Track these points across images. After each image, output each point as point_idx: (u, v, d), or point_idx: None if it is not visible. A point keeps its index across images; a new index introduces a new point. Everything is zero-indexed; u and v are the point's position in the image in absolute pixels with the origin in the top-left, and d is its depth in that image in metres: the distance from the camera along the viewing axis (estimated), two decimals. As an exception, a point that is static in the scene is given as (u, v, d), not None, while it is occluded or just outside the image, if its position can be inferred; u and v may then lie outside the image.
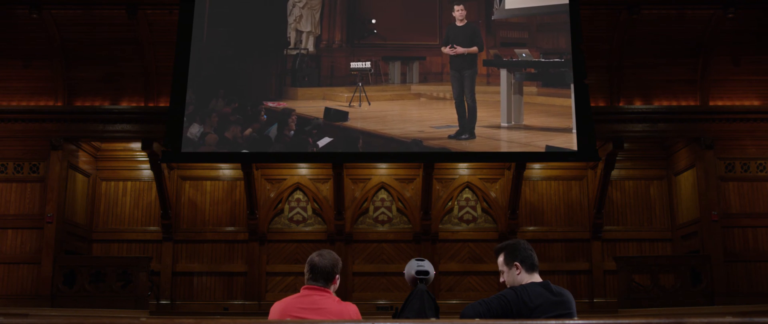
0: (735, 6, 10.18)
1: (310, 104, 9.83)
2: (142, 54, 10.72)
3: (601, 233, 11.28)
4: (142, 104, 10.83)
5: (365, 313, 8.78)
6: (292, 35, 10.16)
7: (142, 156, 11.16)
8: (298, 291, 3.62)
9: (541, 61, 9.82)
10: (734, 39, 10.68)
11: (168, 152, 9.59)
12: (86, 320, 5.33)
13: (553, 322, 3.26)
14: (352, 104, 9.76)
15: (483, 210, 11.48)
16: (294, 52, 10.10)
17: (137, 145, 10.90)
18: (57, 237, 10.30)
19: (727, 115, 10.72)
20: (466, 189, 11.53)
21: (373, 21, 10.16)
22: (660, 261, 10.58)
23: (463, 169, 11.47)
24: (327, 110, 9.73)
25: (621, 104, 10.81)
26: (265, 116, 9.69)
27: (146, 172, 11.43)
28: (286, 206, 11.47)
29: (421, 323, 3.86)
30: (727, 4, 10.18)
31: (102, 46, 10.69)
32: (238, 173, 11.18)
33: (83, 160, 11.14)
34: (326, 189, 11.37)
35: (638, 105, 10.83)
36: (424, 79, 10.05)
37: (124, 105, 10.83)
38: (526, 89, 9.79)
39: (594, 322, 3.13)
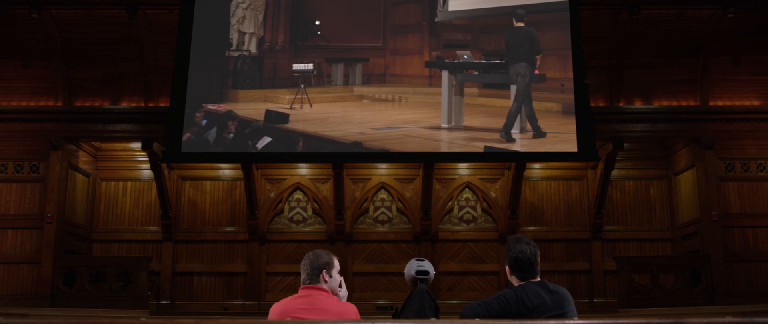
0: (735, 6, 10.18)
1: (251, 106, 9.76)
2: (142, 54, 10.72)
3: (601, 233, 11.28)
4: (142, 104, 10.83)
5: (365, 313, 8.80)
6: (234, 36, 10.09)
7: (142, 156, 11.16)
8: (298, 291, 3.62)
9: (482, 62, 9.85)
10: (734, 39, 10.68)
11: (168, 152, 9.59)
12: (86, 320, 5.33)
13: (553, 322, 3.26)
14: (293, 106, 9.71)
15: (483, 210, 11.48)
16: (236, 54, 10.04)
17: (137, 145, 10.90)
18: (57, 237, 10.30)
19: (727, 115, 10.72)
20: (466, 189, 11.53)
21: (317, 22, 10.13)
22: (660, 261, 10.57)
23: (463, 169, 11.47)
24: (268, 112, 9.68)
25: (621, 104, 10.81)
26: (204, 121, 9.61)
27: (146, 172, 11.43)
28: (286, 206, 11.47)
29: (421, 323, 3.86)
30: (727, 4, 10.18)
31: (102, 46, 10.69)
32: (238, 173, 11.18)
33: (83, 160, 11.14)
34: (326, 189, 11.38)
35: (638, 105, 10.83)
36: (366, 80, 10.03)
37: (124, 105, 10.83)
38: (467, 90, 9.80)
39: (594, 322, 3.13)
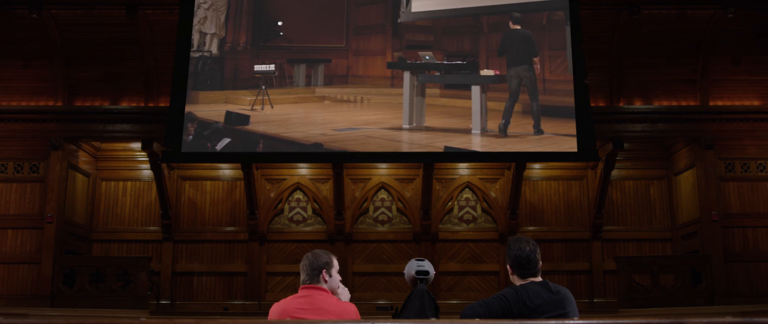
0: (735, 6, 10.18)
1: (212, 108, 9.69)
2: (142, 54, 10.72)
3: (601, 233, 11.28)
4: (142, 104, 10.83)
5: (365, 313, 8.79)
6: (195, 37, 10.02)
7: (142, 156, 11.16)
8: (298, 291, 3.62)
9: (444, 63, 9.87)
10: (734, 39, 10.68)
11: (168, 152, 9.59)
12: (86, 320, 5.33)
13: (553, 322, 3.26)
14: (254, 108, 9.67)
15: (483, 210, 11.48)
16: (197, 55, 9.98)
17: (137, 145, 10.90)
18: (57, 237, 10.30)
19: (727, 115, 10.72)
20: (466, 189, 11.53)
21: (280, 23, 10.09)
22: (660, 261, 10.57)
23: (463, 169, 11.47)
24: (228, 114, 9.62)
25: (621, 104, 10.82)
26: None
27: (146, 172, 11.43)
28: (286, 206, 11.47)
29: (421, 323, 3.86)
30: (727, 4, 10.18)
31: (102, 46, 10.69)
32: (238, 173, 11.18)
33: (83, 160, 11.14)
34: (326, 189, 11.38)
35: (638, 105, 10.83)
36: (329, 81, 10.01)
37: (124, 105, 10.83)
38: (428, 91, 9.82)
39: (594, 322, 3.13)
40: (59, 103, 10.70)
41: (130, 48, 10.69)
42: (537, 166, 11.42)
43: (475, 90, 9.51)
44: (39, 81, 10.77)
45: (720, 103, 10.82)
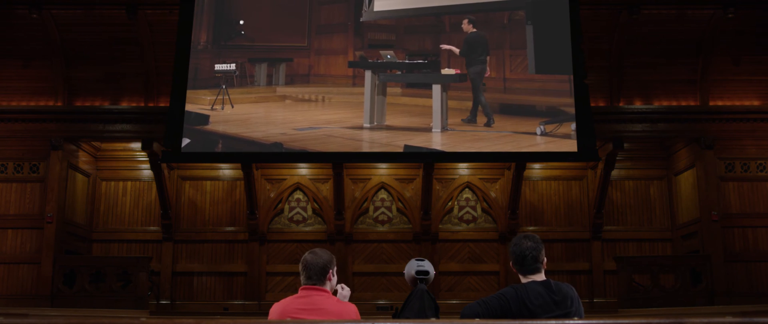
0: (735, 6, 10.18)
1: None
2: (142, 54, 10.72)
3: (601, 233, 11.28)
4: (142, 104, 10.83)
5: (365, 313, 8.79)
6: None
7: (142, 156, 11.16)
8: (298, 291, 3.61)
9: (406, 62, 9.90)
10: (734, 39, 10.68)
11: (168, 152, 9.59)
12: (86, 320, 5.34)
13: (553, 322, 3.26)
14: (214, 107, 9.65)
15: (483, 210, 11.48)
16: None
17: (137, 145, 10.90)
18: (57, 237, 10.30)
19: (727, 115, 10.72)
20: (466, 189, 11.53)
21: (241, 22, 10.07)
22: (660, 261, 10.57)
23: (463, 169, 11.47)
24: (187, 114, 9.61)
25: (621, 104, 10.82)
26: None
27: (146, 172, 11.43)
28: (286, 206, 11.46)
29: (421, 323, 3.86)
30: (727, 4, 10.18)
31: (102, 46, 10.69)
32: (238, 173, 11.18)
33: (83, 160, 11.14)
34: (326, 189, 11.37)
35: (638, 105, 10.83)
36: (290, 80, 10.01)
37: (124, 105, 10.83)
38: (390, 90, 9.84)
39: (594, 322, 3.13)
40: (59, 103, 10.71)
41: (130, 48, 10.69)
42: (537, 166, 11.42)
43: (436, 89, 9.54)
44: (39, 81, 10.77)
45: (720, 103, 10.82)
